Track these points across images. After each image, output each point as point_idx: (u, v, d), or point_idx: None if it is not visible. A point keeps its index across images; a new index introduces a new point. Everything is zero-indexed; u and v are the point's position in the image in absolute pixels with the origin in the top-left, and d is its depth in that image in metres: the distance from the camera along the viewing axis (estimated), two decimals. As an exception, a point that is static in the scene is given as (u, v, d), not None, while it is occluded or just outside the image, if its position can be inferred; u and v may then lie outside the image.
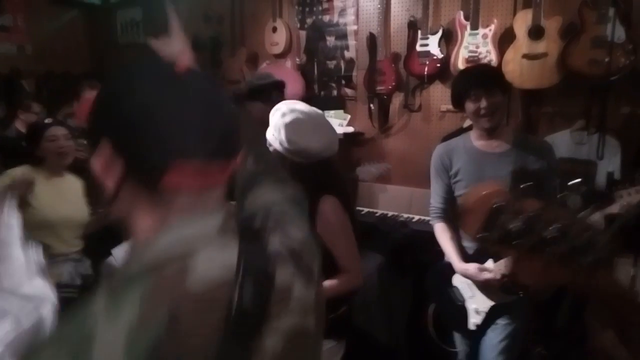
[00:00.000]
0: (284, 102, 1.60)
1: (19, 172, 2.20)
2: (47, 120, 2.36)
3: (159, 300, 0.54)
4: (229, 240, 0.62)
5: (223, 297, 0.57)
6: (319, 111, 1.61)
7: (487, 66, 2.57)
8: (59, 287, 1.34)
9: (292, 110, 1.53)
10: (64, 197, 2.26)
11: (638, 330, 0.67)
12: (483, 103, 1.81)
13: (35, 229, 1.84)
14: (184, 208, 0.61)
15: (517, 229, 0.63)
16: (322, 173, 1.57)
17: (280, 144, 1.51)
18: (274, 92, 2.33)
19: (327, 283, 1.49)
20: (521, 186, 0.72)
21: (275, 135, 1.53)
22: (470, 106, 1.85)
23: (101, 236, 2.26)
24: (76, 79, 3.70)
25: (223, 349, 0.55)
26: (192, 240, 0.59)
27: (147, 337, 0.52)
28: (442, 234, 2.01)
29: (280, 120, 1.51)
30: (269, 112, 1.77)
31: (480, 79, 1.86)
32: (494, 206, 0.66)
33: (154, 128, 0.58)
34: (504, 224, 0.64)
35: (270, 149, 1.55)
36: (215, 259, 0.59)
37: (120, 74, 0.64)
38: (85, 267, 2.28)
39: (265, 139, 1.52)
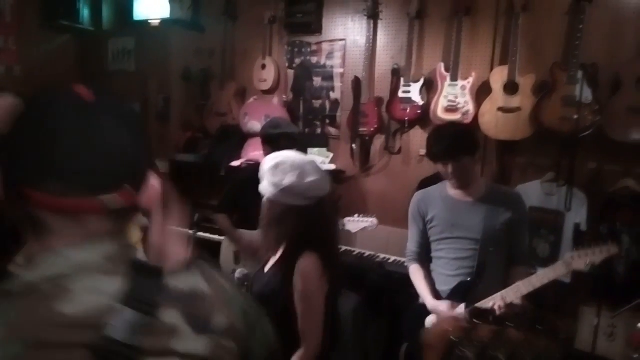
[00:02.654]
0: (276, 152, 1.61)
1: None
2: None
3: (26, 320, 0.55)
4: (117, 271, 0.61)
5: (95, 323, 0.56)
6: (306, 157, 1.66)
7: (456, 131, 2.15)
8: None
9: (288, 157, 1.55)
10: None
11: None
12: (450, 169, 1.93)
13: None
14: (64, 234, 0.61)
15: (472, 357, 0.73)
16: (315, 220, 1.56)
17: (279, 189, 1.50)
18: (284, 141, 2.46)
19: None
20: (473, 316, 0.84)
21: (272, 181, 1.52)
22: (440, 168, 1.97)
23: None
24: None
25: None
26: (72, 264, 0.59)
27: (8, 353, 0.52)
28: (416, 274, 2.09)
29: (278, 166, 1.51)
30: None
31: (447, 149, 1.94)
32: (452, 339, 0.76)
33: (19, 153, 0.61)
34: (462, 353, 0.74)
35: (264, 200, 1.57)
36: (94, 285, 0.59)
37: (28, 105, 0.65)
38: None
39: None
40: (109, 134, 0.63)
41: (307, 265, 1.51)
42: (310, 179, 1.52)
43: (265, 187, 1.55)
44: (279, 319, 1.48)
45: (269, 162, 1.55)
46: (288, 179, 1.49)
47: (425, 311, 1.99)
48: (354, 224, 2.58)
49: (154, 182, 0.71)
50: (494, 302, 1.78)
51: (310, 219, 1.54)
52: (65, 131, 0.60)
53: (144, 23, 4.15)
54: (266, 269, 1.66)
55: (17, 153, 0.61)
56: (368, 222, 2.58)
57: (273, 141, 2.53)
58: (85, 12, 4.40)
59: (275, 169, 1.52)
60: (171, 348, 0.62)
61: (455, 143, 1.95)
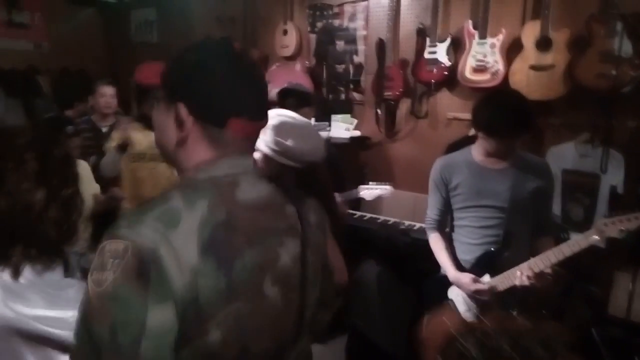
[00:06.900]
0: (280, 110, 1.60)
1: None
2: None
3: (220, 200, 0.79)
4: (259, 177, 0.89)
5: (264, 207, 0.85)
6: (306, 119, 1.63)
7: (520, 103, 1.87)
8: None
9: (279, 114, 1.55)
10: None
11: None
12: (502, 148, 1.83)
13: None
14: (230, 149, 0.86)
15: (476, 352, 0.68)
16: (307, 184, 1.48)
17: (266, 145, 1.51)
18: (290, 100, 2.42)
19: None
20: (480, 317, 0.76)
21: (261, 137, 1.54)
22: (485, 139, 1.85)
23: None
24: (90, 77, 3.78)
25: (251, 250, 0.80)
26: (238, 168, 0.85)
27: (213, 222, 0.77)
28: (437, 244, 2.04)
29: (278, 125, 1.50)
30: None
31: (514, 125, 1.78)
32: (452, 333, 0.71)
33: (222, 93, 0.83)
34: (462, 347, 0.69)
35: (257, 154, 1.58)
36: (252, 184, 0.86)
37: (195, 50, 0.86)
38: (85, 260, 2.28)
39: None
40: (261, 75, 0.93)
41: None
42: (306, 143, 1.51)
43: (261, 143, 1.52)
44: None
45: (275, 118, 1.52)
46: (286, 141, 1.49)
47: (446, 282, 1.96)
48: (369, 191, 2.53)
49: None
50: (521, 271, 1.73)
51: (302, 181, 1.49)
52: (245, 75, 0.86)
53: (164, -8, 4.12)
54: None
55: (219, 92, 0.83)
56: (382, 189, 2.52)
57: (284, 98, 2.49)
58: (106, -16, 4.40)
59: (276, 128, 1.50)
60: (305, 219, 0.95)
61: (523, 119, 1.79)
